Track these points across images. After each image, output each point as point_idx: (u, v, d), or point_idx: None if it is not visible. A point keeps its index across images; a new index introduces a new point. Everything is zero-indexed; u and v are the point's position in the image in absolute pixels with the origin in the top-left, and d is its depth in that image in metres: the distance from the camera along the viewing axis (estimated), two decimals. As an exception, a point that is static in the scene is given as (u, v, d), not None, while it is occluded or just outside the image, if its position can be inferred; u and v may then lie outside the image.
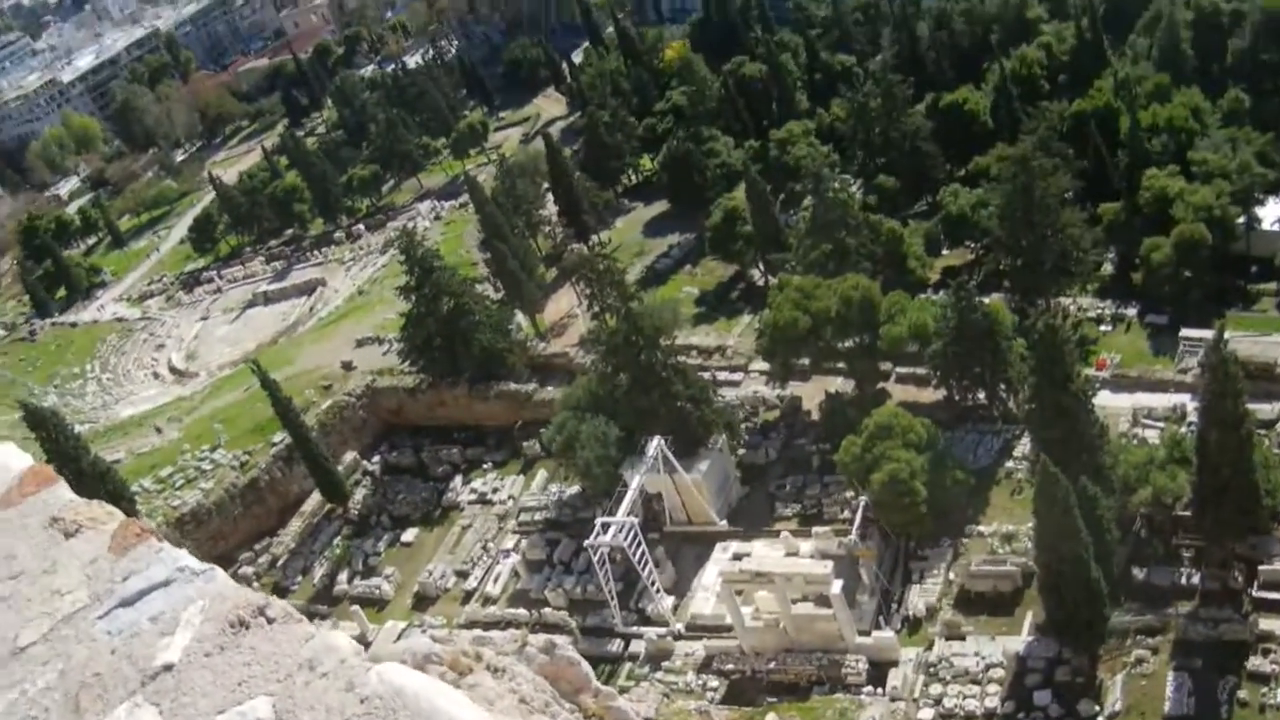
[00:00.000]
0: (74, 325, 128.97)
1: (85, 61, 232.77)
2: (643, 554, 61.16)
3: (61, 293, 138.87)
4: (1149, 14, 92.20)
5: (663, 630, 62.33)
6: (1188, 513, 54.75)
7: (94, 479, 71.61)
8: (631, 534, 60.45)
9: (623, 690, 44.34)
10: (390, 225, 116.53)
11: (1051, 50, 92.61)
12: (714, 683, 58.59)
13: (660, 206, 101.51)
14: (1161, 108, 78.87)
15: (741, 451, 70.66)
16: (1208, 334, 59.65)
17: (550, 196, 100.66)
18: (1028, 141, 73.39)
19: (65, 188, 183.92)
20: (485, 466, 79.25)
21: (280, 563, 77.15)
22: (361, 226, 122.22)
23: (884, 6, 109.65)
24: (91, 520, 5.07)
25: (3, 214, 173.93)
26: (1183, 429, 59.62)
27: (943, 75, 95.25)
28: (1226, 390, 49.50)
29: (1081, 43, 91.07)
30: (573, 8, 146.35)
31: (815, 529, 62.16)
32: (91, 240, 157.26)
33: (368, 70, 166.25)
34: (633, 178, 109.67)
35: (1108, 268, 74.91)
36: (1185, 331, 67.05)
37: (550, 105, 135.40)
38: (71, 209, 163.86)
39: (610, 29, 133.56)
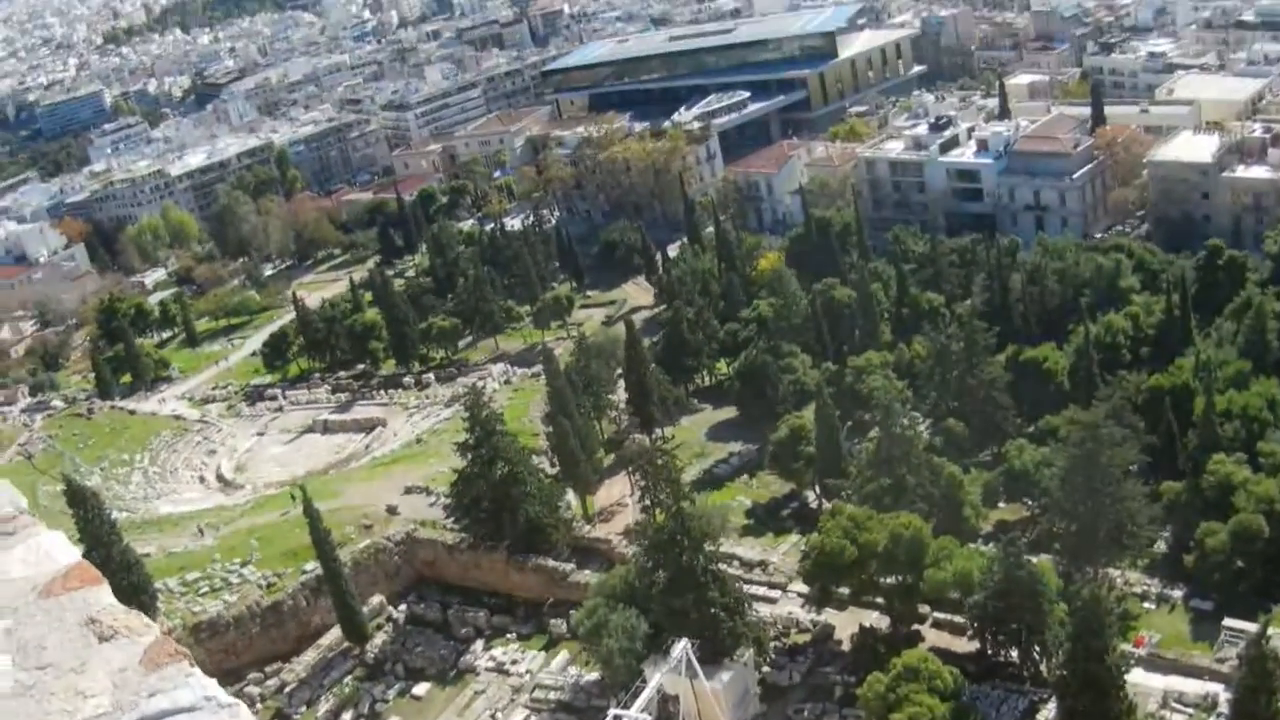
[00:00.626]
0: (132, 413, 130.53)
1: (195, 160, 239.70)
2: (650, 753, 61.06)
3: (127, 378, 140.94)
4: (1239, 300, 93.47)
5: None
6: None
7: (121, 568, 72.99)
8: (642, 731, 60.38)
9: None
10: (460, 380, 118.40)
11: (1138, 321, 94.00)
12: None
13: (728, 412, 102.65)
14: (1238, 394, 79.86)
15: (766, 669, 70.31)
16: (1251, 627, 59.42)
17: (622, 383, 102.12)
18: (1101, 408, 74.05)
19: (151, 278, 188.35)
20: (509, 636, 79.42)
21: (288, 689, 77.37)
22: (432, 376, 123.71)
23: (980, 253, 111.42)
24: (128, 629, 5.25)
25: (88, 290, 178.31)
26: (1212, 719, 59.59)
27: (1028, 329, 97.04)
28: (1262, 686, 49.69)
29: (1169, 318, 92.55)
30: (677, 203, 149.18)
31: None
32: (166, 334, 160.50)
33: (467, 224, 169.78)
34: (706, 379, 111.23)
35: (1161, 546, 74.75)
36: (1229, 621, 66.43)
37: (638, 293, 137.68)
38: (154, 299, 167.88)
39: (710, 229, 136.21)
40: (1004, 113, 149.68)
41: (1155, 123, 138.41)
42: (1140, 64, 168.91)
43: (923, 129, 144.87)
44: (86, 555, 4.52)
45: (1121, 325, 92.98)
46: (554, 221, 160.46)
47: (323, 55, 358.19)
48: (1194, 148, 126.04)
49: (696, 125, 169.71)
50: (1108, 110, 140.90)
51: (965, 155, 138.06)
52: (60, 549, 4.80)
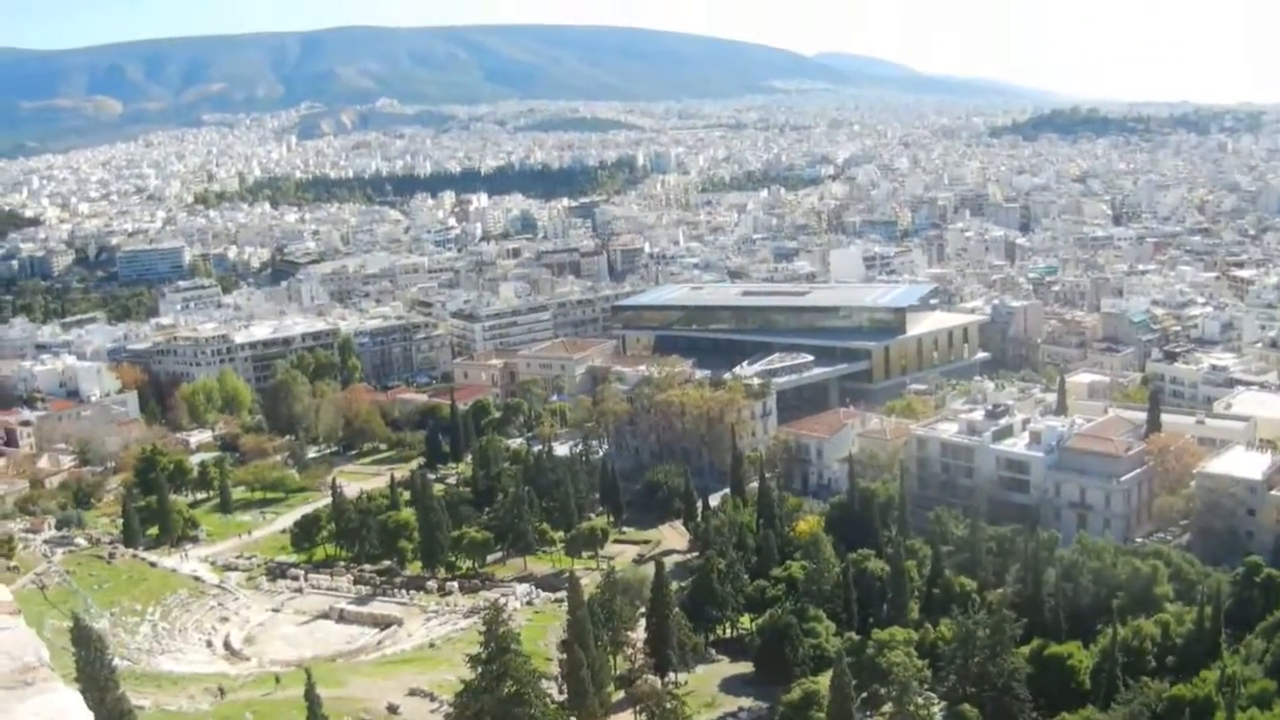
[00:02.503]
0: (153, 565, 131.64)
1: (261, 332, 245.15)
2: None
3: (155, 530, 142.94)
4: (1272, 619, 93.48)
5: None
6: None
7: (113, 717, 73.68)
8: None
9: None
10: (483, 594, 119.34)
11: (1168, 629, 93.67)
12: None
13: (744, 667, 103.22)
14: (1260, 713, 79.36)
15: None
16: None
17: (644, 622, 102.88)
18: (1119, 712, 74.39)
19: (196, 438, 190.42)
20: None
21: None
22: (456, 584, 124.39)
23: (1019, 544, 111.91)
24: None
25: (132, 437, 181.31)
26: None
27: (1056, 625, 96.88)
28: None
29: (1199, 630, 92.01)
30: (726, 454, 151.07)
31: None
32: (201, 495, 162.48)
33: (515, 442, 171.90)
34: (728, 631, 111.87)
35: None
36: None
37: (674, 536, 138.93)
38: (195, 459, 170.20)
39: (754, 484, 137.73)
40: (1061, 408, 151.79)
41: (1210, 435, 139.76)
42: (1202, 376, 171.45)
43: (978, 415, 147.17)
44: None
45: (1150, 632, 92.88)
46: (602, 453, 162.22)
47: (402, 254, 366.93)
48: (1245, 464, 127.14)
49: (756, 381, 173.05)
50: (1165, 418, 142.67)
51: (1017, 446, 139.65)
52: (74, 710, 4.59)
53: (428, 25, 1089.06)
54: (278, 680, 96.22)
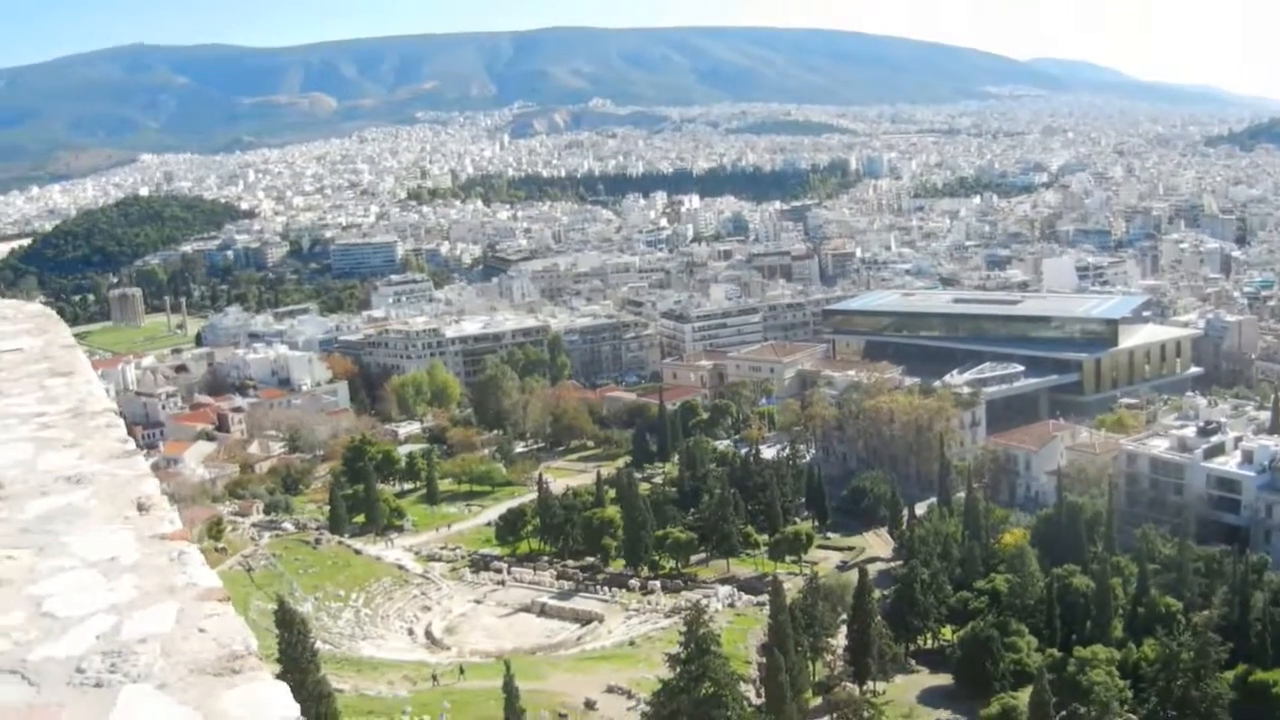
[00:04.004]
0: (358, 552, 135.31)
1: (471, 327, 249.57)
2: None
3: (361, 518, 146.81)
4: None
5: None
6: None
7: (312, 698, 75.98)
8: None
9: None
10: (685, 594, 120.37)
11: None
12: None
13: (944, 679, 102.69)
14: None
15: None
16: None
17: (844, 629, 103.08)
18: None
19: (405, 429, 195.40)
20: None
21: None
22: (658, 583, 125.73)
23: (1227, 565, 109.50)
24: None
25: (341, 426, 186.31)
26: None
27: (1263, 651, 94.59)
28: None
29: None
30: (933, 463, 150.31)
31: None
32: (408, 486, 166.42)
33: (722, 444, 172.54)
34: (929, 642, 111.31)
35: None
36: None
37: (878, 543, 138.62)
38: (403, 450, 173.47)
39: (961, 494, 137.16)
40: (1276, 427, 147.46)
41: None
42: None
43: (1190, 431, 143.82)
44: (281, 677, 4.52)
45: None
46: (808, 458, 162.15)
47: (614, 253, 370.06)
48: None
49: (966, 390, 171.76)
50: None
51: (1229, 464, 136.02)
52: (281, 702, 4.55)
53: (641, 26, 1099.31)
54: (461, 671, 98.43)
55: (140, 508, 5.92)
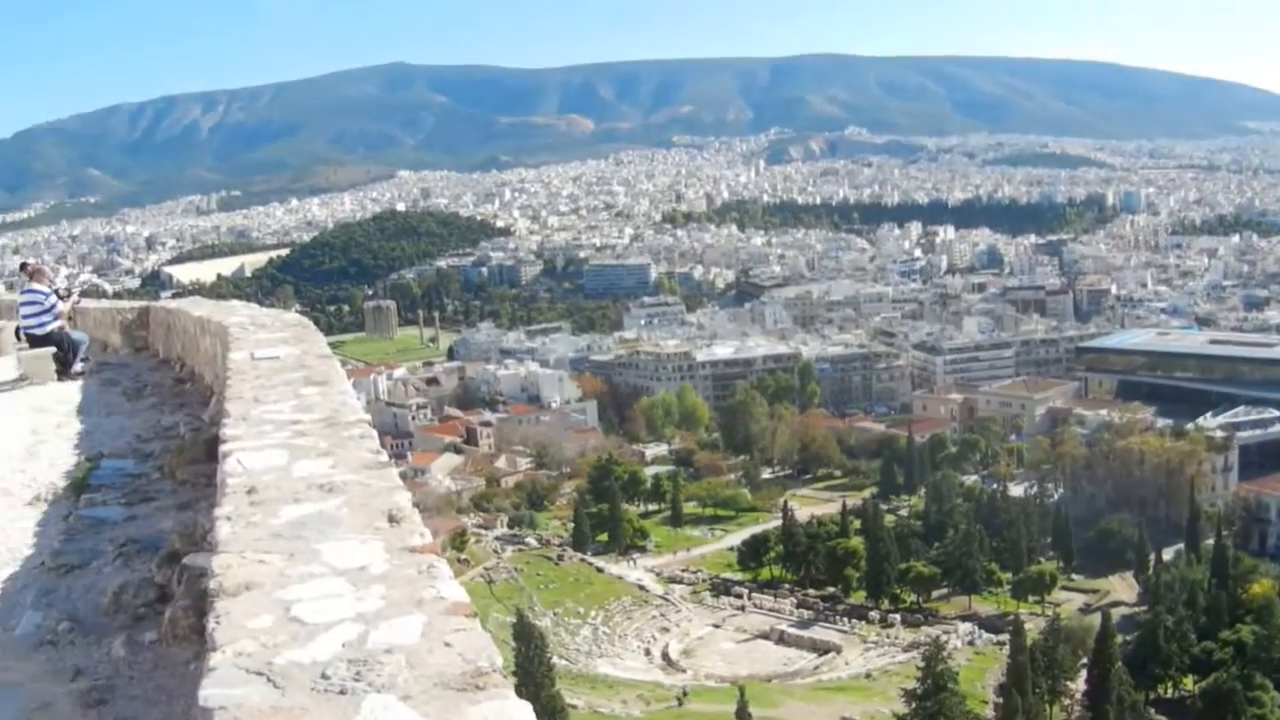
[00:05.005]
0: (600, 570, 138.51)
1: (722, 351, 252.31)
2: None
3: (603, 537, 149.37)
4: None
5: None
6: None
7: (546, 713, 78.75)
8: None
9: None
10: (924, 629, 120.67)
11: None
12: None
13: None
14: None
15: None
16: None
17: (1084, 674, 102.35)
18: None
19: (652, 450, 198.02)
20: None
21: None
22: (898, 617, 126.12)
23: None
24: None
25: (588, 445, 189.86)
26: None
27: None
28: None
29: None
30: (1182, 508, 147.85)
31: None
32: (652, 507, 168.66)
33: (969, 479, 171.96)
34: (1169, 691, 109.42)
35: None
36: None
37: (1122, 587, 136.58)
38: (649, 471, 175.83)
39: (1210, 541, 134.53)
40: None
41: None
42: None
43: None
44: (515, 689, 4.45)
45: None
46: (1056, 497, 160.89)
47: (867, 282, 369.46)
48: None
49: (1219, 434, 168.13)
50: None
51: None
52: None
53: (898, 55, 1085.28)
54: (685, 694, 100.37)
55: (391, 519, 6.16)
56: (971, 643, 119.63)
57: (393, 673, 4.35)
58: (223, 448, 8.06)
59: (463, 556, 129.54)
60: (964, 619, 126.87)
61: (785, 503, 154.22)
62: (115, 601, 8.21)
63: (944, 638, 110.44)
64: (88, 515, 11.07)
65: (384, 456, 7.60)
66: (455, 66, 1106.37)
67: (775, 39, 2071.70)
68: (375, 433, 8.37)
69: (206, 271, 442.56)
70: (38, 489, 12.49)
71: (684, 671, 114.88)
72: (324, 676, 4.34)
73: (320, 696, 4.22)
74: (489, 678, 4.38)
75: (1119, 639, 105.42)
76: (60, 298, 26.25)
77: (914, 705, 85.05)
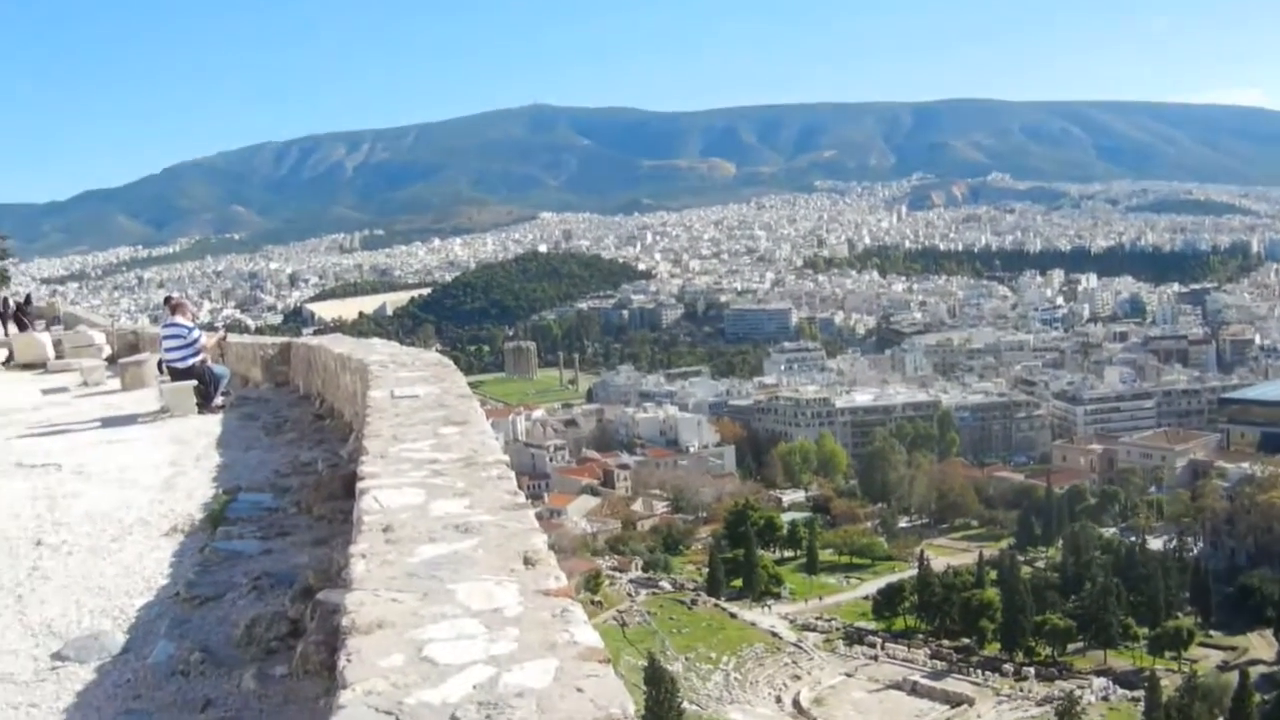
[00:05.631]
0: (733, 616, 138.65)
1: (862, 398, 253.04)
2: None
3: (738, 583, 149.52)
4: None
5: None
6: None
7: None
8: None
9: None
10: (1058, 683, 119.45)
11: None
12: None
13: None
14: None
15: None
16: None
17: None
18: None
19: (789, 497, 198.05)
20: None
21: None
22: (1032, 671, 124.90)
23: None
24: None
25: (725, 490, 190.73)
26: None
27: None
28: None
29: None
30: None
31: None
32: (788, 553, 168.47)
33: (1108, 531, 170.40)
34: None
35: None
36: None
37: (1261, 645, 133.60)
38: (785, 517, 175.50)
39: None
40: None
41: None
42: None
43: None
44: None
45: None
46: (1195, 551, 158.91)
47: (1008, 330, 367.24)
48: None
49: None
50: None
51: None
52: None
53: (1041, 100, 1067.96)
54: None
55: (527, 561, 6.16)
56: (1106, 698, 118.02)
57: (523, 717, 4.38)
58: (360, 485, 8.26)
59: (596, 598, 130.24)
60: (1099, 674, 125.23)
61: (921, 552, 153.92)
62: (248, 634, 8.39)
63: (1078, 693, 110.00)
64: (223, 548, 11.33)
65: (521, 498, 7.66)
66: (598, 109, 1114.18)
67: (919, 83, 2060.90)
68: (513, 474, 8.46)
69: (348, 309, 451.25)
70: (175, 520, 12.86)
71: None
72: (454, 718, 4.38)
73: (449, 738, 4.14)
74: (622, 727, 4.21)
75: (1257, 698, 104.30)
76: (205, 330, 27.47)
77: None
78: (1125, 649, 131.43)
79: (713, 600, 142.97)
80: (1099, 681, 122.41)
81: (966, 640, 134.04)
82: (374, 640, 5.07)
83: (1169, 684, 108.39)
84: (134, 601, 9.68)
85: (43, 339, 42.17)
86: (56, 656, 8.39)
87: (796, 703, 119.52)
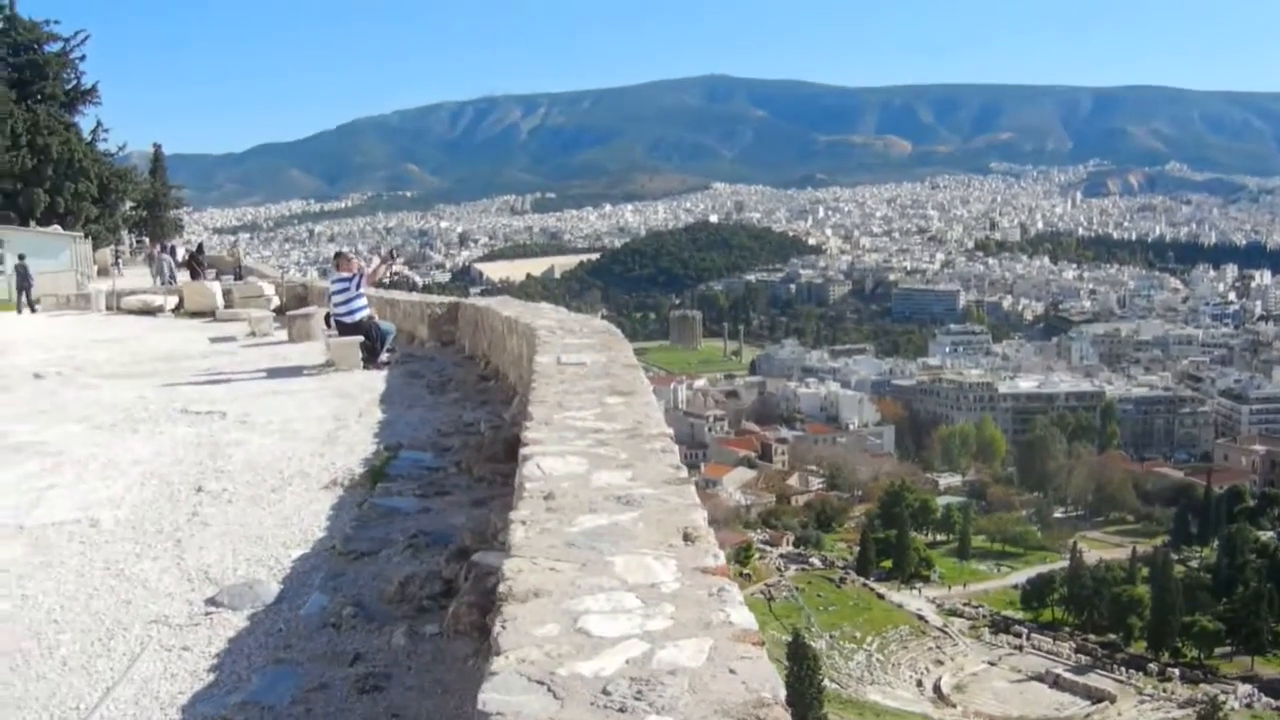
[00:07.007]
0: (880, 597, 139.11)
1: (1025, 385, 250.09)
2: None
3: (888, 564, 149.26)
4: None
5: None
6: None
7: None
8: None
9: None
10: (1203, 686, 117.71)
11: None
12: None
13: None
14: None
15: None
16: None
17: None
18: None
19: (945, 480, 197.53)
20: None
21: None
22: (1177, 672, 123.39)
23: None
24: None
25: (882, 470, 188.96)
26: None
27: None
28: None
29: None
30: None
31: None
32: (940, 537, 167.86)
33: (1266, 534, 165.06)
34: None
35: None
36: None
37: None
38: (940, 501, 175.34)
39: None
40: None
41: None
42: None
43: None
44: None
45: None
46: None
47: (1178, 324, 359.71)
48: None
49: None
50: None
51: None
52: None
53: (1222, 89, 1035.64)
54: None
55: (686, 537, 6.04)
56: (1250, 705, 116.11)
57: (674, 695, 4.31)
58: (523, 450, 8.16)
59: (745, 571, 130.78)
60: (1245, 680, 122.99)
61: (1074, 544, 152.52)
62: (400, 591, 8.45)
63: (1221, 697, 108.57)
64: (382, 504, 11.37)
65: (684, 472, 7.51)
66: (775, 81, 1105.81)
67: (1100, 68, 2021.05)
68: (676, 448, 8.32)
69: (516, 270, 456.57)
70: (335, 474, 12.95)
71: (954, 706, 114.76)
72: (605, 692, 4.33)
73: (600, 712, 4.22)
74: (771, 710, 4.29)
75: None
76: (383, 260, 28.49)
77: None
78: (1274, 656, 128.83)
79: (861, 580, 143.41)
80: (1244, 688, 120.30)
81: (1113, 636, 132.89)
82: (530, 608, 5.13)
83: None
84: (290, 552, 9.97)
85: (213, 288, 43.86)
86: (211, 602, 8.73)
87: (937, 688, 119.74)
